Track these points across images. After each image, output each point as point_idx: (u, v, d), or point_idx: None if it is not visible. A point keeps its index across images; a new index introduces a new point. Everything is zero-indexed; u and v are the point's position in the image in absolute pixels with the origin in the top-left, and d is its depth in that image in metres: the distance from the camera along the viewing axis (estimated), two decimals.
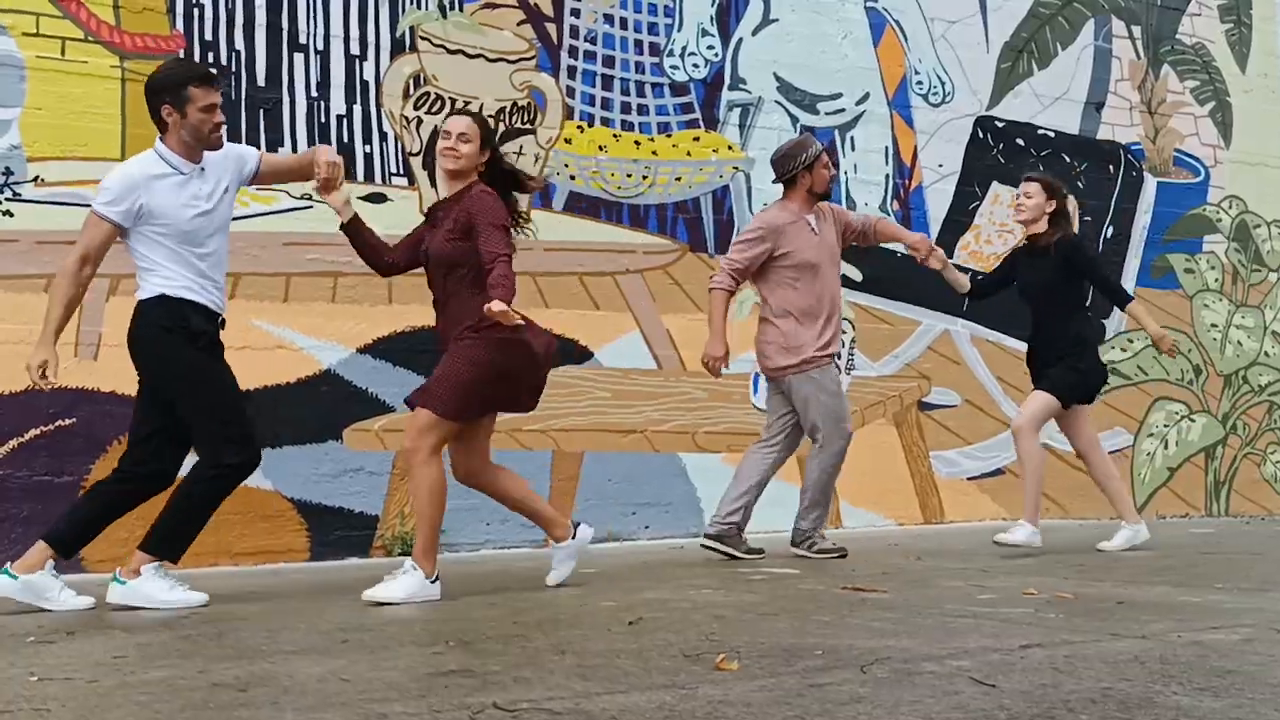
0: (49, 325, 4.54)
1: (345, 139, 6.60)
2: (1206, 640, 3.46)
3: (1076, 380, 6.18)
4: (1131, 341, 8.95)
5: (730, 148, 7.66)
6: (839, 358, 6.15)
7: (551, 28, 7.18)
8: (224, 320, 4.67)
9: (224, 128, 4.60)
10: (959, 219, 8.38)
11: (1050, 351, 6.18)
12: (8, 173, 5.87)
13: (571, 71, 7.24)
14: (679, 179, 7.46)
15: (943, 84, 8.37)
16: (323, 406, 6.38)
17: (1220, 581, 4.93)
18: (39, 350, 4.53)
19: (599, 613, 4.14)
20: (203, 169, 4.59)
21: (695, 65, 7.58)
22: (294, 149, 6.43)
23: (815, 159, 5.99)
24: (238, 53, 6.35)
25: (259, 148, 6.40)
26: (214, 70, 4.89)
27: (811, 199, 6.02)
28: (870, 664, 3.10)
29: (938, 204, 8.30)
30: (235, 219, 6.23)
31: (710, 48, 7.64)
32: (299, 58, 6.51)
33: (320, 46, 6.57)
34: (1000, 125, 8.59)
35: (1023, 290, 6.32)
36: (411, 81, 6.81)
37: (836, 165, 7.94)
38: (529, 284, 6.91)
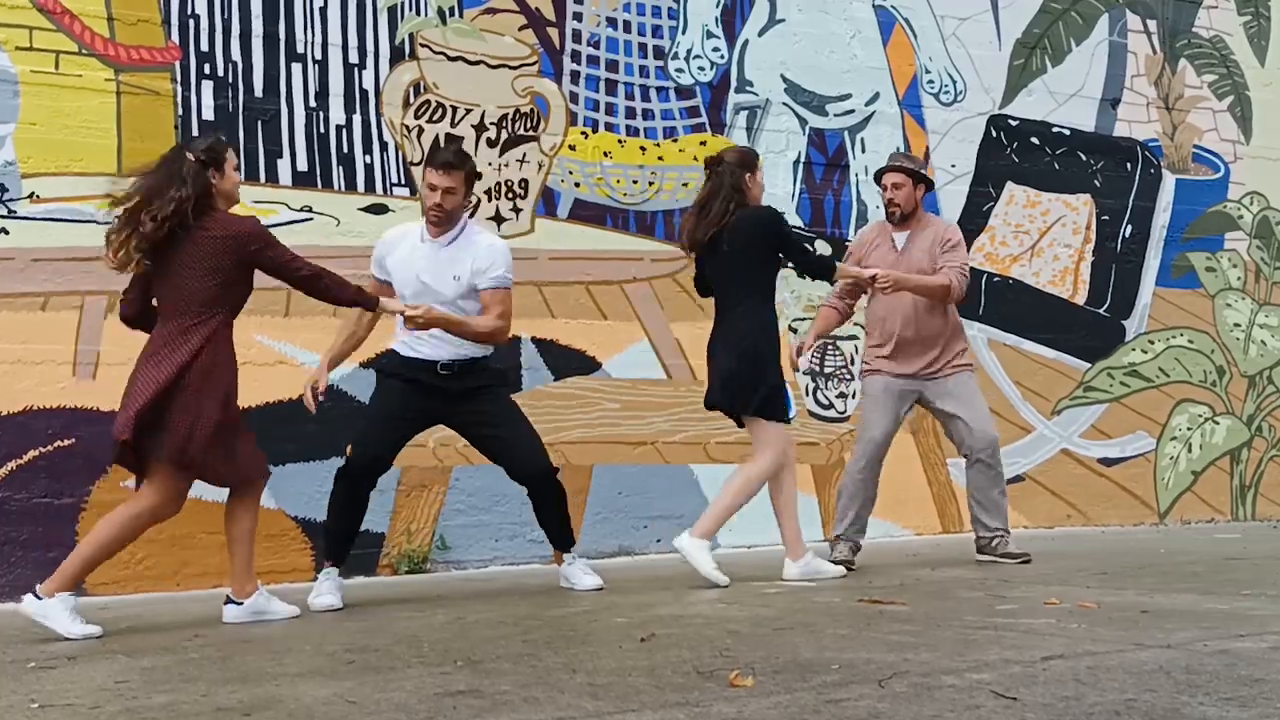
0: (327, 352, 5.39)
1: (345, 149, 6.62)
2: (1234, 649, 3.45)
3: None
4: (1152, 343, 8.93)
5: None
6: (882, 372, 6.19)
7: (553, 32, 7.20)
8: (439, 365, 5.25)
9: (442, 210, 5.16)
10: (973, 220, 8.37)
11: None
12: (2, 189, 5.90)
13: (575, 77, 7.25)
14: (686, 184, 7.46)
15: (954, 82, 8.37)
16: (325, 423, 6.36)
17: (1247, 588, 4.92)
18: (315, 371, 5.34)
19: (610, 629, 4.14)
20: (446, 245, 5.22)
21: (700, 68, 7.59)
22: (293, 160, 6.45)
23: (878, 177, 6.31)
24: (234, 63, 6.38)
25: (258, 160, 6.44)
26: (446, 156, 5.23)
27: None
28: (888, 678, 3.10)
29: (951, 206, 8.30)
30: None
31: (715, 50, 7.64)
32: (296, 67, 6.53)
33: (318, 55, 6.58)
34: (1014, 124, 8.59)
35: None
36: (411, 89, 6.83)
37: (844, 166, 7.95)
38: (534, 294, 6.93)
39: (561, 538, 5.52)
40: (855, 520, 6.09)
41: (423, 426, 5.38)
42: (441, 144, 5.49)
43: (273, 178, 6.42)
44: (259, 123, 6.42)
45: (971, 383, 6.19)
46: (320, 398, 5.15)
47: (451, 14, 6.93)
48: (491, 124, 6.98)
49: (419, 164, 6.73)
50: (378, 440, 5.18)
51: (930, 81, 8.30)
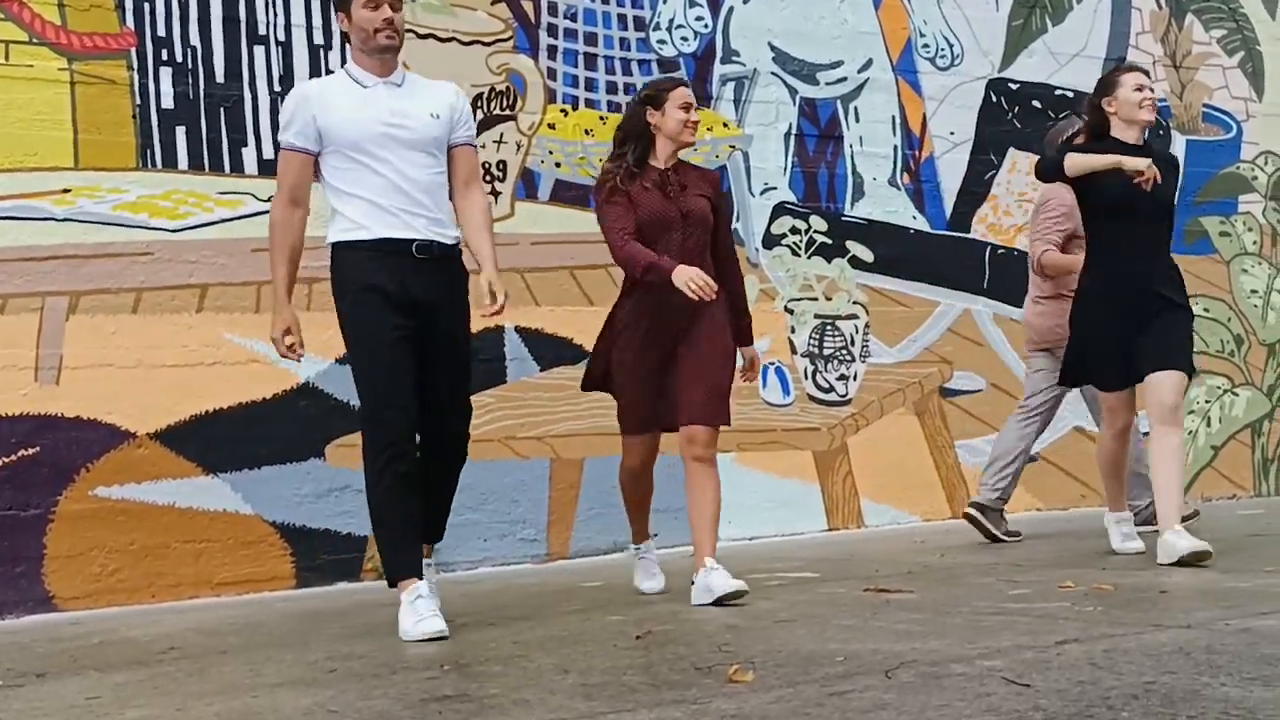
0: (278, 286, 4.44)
1: None
2: (1256, 627, 3.46)
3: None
4: None
5: (725, 125, 7.64)
6: None
7: (529, 6, 7.17)
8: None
9: (395, 30, 4.45)
10: (974, 190, 8.36)
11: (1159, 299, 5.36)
12: None
13: (552, 51, 7.22)
14: None
15: (950, 46, 8.35)
16: (302, 422, 6.36)
17: (1270, 564, 4.94)
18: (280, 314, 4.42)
19: (605, 628, 4.15)
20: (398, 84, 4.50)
21: (684, 39, 7.56)
22: (258, 148, 6.42)
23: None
24: (194, 48, 6.35)
25: (221, 149, 6.42)
26: None
27: None
28: (895, 668, 3.10)
29: (951, 175, 8.28)
30: (198, 226, 6.32)
31: (699, 19, 7.62)
32: (259, 50, 6.50)
33: (281, 38, 6.56)
34: (1014, 87, 8.57)
35: (1128, 201, 5.25)
36: None
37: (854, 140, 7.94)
38: (516, 280, 6.90)
39: (439, 523, 4.71)
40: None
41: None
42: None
43: (238, 167, 6.39)
44: (221, 109, 6.39)
45: None
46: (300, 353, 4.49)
47: None
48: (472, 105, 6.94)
49: None
50: (400, 386, 4.26)
51: (925, 45, 8.28)
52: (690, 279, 4.54)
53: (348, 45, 4.61)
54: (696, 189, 4.92)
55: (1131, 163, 5.11)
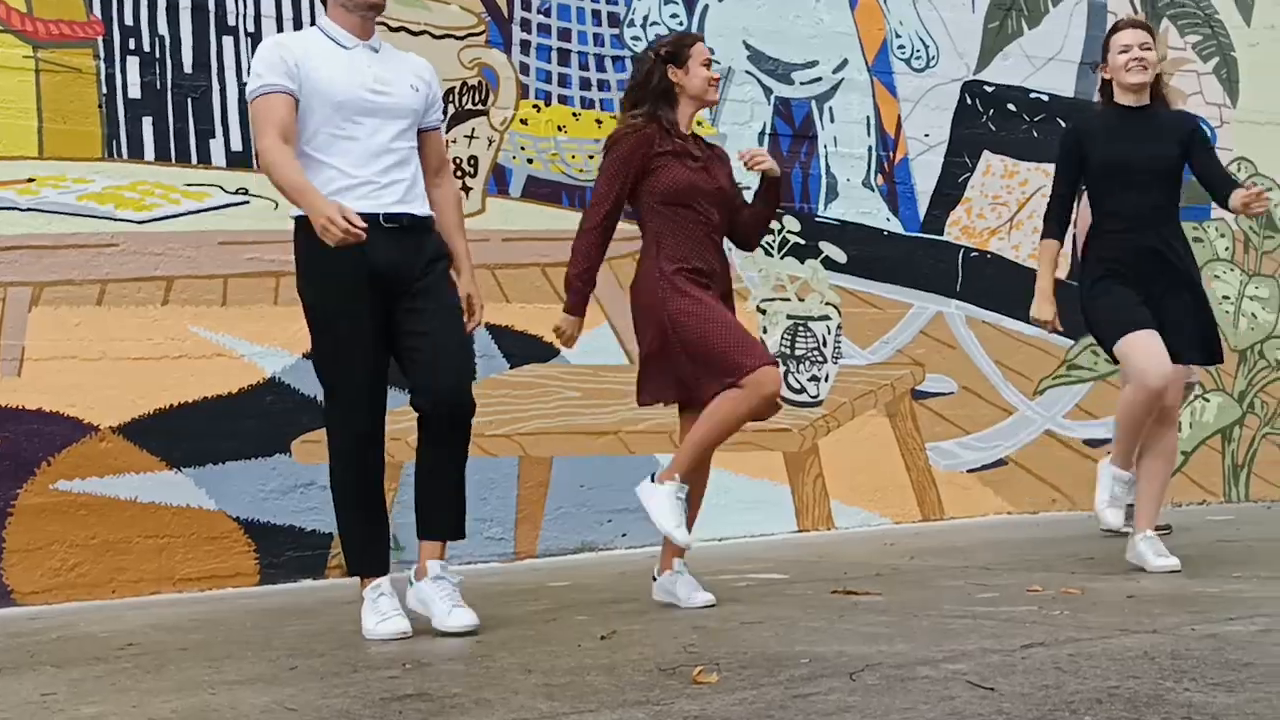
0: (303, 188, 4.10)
1: None
2: (1222, 632, 3.47)
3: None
4: None
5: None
6: None
7: (502, 0, 7.16)
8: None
9: None
10: (948, 192, 8.38)
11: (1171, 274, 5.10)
12: None
13: (525, 46, 7.20)
14: None
15: (926, 47, 8.37)
16: (268, 418, 6.33)
17: (1239, 570, 4.97)
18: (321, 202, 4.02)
19: (569, 628, 4.14)
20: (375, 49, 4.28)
21: (659, 35, 7.55)
22: (226, 140, 6.38)
23: None
24: (162, 38, 6.31)
25: (189, 140, 6.37)
26: None
27: None
28: (860, 671, 3.10)
29: (925, 177, 8.30)
30: (164, 218, 6.28)
31: (674, 16, 7.61)
32: (228, 41, 6.47)
33: (251, 28, 6.52)
34: (989, 90, 8.59)
35: (1120, 164, 5.18)
36: None
37: (815, 138, 7.95)
38: (488, 277, 6.89)
39: (455, 520, 4.33)
40: None
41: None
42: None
43: (205, 158, 6.35)
44: (189, 100, 6.35)
45: None
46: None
47: None
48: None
49: None
50: (366, 375, 4.16)
51: (901, 46, 8.29)
52: (561, 336, 4.79)
53: (320, 2, 4.40)
54: (720, 165, 4.78)
55: (1035, 314, 5.40)
